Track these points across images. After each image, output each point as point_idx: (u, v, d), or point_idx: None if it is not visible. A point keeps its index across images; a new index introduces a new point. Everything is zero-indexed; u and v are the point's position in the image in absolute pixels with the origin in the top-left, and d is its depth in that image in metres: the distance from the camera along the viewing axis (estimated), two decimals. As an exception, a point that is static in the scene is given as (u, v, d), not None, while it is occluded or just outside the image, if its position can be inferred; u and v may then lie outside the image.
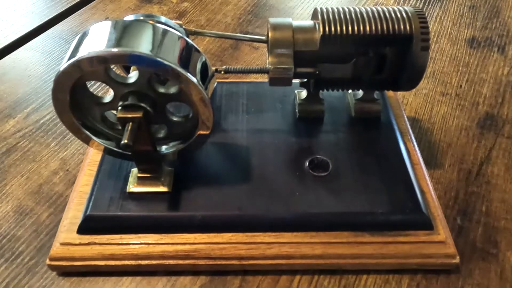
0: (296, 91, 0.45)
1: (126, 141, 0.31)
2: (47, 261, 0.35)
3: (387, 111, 0.45)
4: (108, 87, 0.33)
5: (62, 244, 0.35)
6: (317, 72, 0.39)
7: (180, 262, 0.35)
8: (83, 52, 0.30)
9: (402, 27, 0.36)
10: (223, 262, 0.35)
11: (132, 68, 0.37)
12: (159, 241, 0.35)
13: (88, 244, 0.35)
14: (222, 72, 0.39)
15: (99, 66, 0.30)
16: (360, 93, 0.43)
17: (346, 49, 0.38)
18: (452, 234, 0.36)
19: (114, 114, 0.36)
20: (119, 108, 0.32)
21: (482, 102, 0.50)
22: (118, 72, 0.35)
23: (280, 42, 0.38)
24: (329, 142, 0.42)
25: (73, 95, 0.33)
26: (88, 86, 0.34)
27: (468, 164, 0.43)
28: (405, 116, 0.45)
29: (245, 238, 0.35)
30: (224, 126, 0.43)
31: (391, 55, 0.38)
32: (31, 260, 0.36)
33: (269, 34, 0.38)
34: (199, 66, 0.32)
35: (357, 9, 0.38)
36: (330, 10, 0.38)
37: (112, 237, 0.35)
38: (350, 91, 0.44)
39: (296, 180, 0.38)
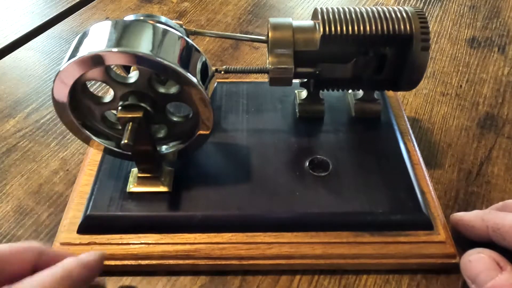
0: (296, 91, 0.45)
1: (126, 141, 0.31)
2: (47, 261, 0.35)
3: (387, 111, 0.45)
4: (108, 87, 0.33)
5: (62, 244, 0.35)
6: (317, 72, 0.39)
7: (180, 262, 0.35)
8: (83, 52, 0.30)
9: (402, 27, 0.36)
10: (223, 262, 0.35)
11: (132, 68, 0.37)
12: (159, 241, 0.35)
13: (88, 244, 0.35)
14: (222, 72, 0.39)
15: (99, 66, 0.30)
16: (360, 93, 0.43)
17: (346, 49, 0.38)
18: (452, 234, 0.36)
19: (114, 114, 0.36)
20: (119, 108, 0.32)
21: (482, 102, 0.50)
22: (118, 72, 0.35)
23: (280, 42, 0.38)
24: (329, 142, 0.42)
25: (73, 95, 0.33)
26: (88, 86, 0.34)
27: (468, 164, 0.43)
28: (405, 116, 0.45)
29: (245, 238, 0.35)
30: (224, 126, 0.43)
31: (391, 55, 0.38)
32: (31, 260, 0.36)
33: (269, 34, 0.38)
34: (199, 66, 0.32)
35: (357, 9, 0.38)
36: (330, 10, 0.38)
37: (112, 237, 0.35)
38: (350, 91, 0.44)
39: (296, 180, 0.38)
